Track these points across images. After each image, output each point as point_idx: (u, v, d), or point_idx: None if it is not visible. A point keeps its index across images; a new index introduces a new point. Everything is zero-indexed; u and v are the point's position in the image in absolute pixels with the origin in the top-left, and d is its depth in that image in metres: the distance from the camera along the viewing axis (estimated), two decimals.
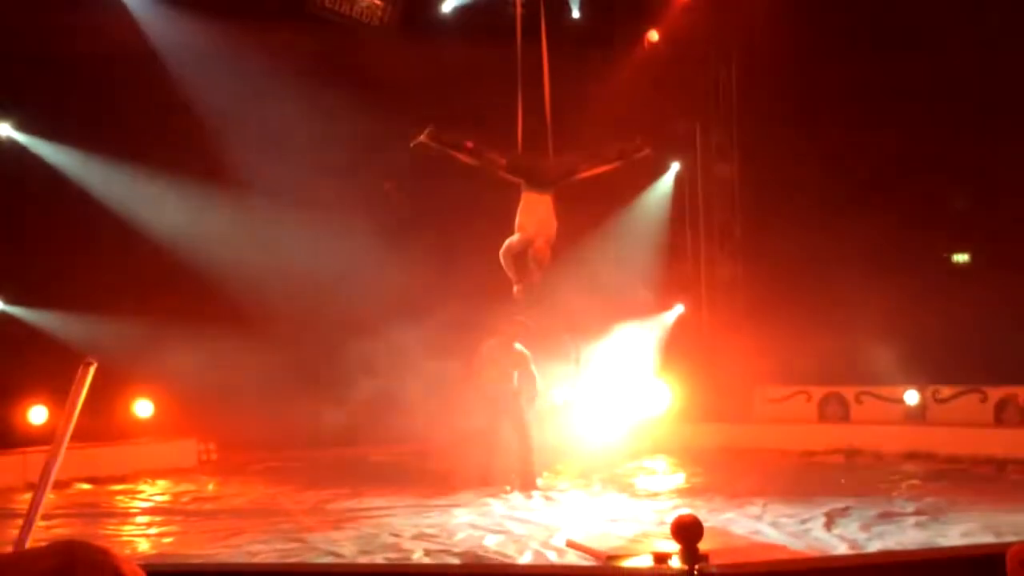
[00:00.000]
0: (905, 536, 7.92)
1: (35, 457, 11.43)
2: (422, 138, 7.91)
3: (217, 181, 13.57)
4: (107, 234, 13.23)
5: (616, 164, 8.33)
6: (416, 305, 12.82)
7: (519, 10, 8.60)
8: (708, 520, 8.32)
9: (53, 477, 1.87)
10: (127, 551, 7.95)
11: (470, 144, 7.88)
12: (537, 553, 7.51)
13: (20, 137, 13.32)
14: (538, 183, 7.82)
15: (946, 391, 13.81)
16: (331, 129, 13.64)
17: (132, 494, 11.09)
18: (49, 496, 9.98)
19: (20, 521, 9.34)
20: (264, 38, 13.81)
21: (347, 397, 12.94)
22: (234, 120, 13.50)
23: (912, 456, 12.71)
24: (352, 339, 13.27)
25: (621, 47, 15.52)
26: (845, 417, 14.55)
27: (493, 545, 7.82)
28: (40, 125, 13.24)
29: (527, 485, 10.57)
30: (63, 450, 1.85)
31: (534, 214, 7.84)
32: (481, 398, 10.82)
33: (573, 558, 7.28)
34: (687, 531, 2.73)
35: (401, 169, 13.42)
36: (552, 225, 7.92)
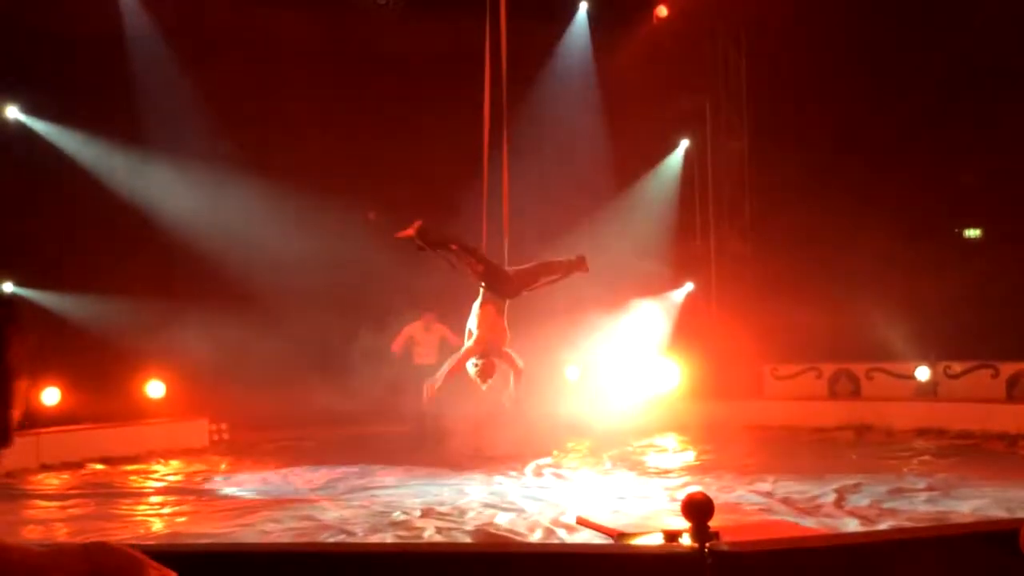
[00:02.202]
0: (916, 512, 7.92)
1: (48, 438, 11.50)
2: (410, 232, 7.95)
3: (230, 165, 13.57)
4: (117, 216, 13.25)
5: (561, 279, 8.45)
6: (423, 293, 12.87)
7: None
8: (718, 497, 8.33)
9: None
10: (140, 531, 8.00)
11: (455, 246, 7.99)
12: (548, 531, 7.54)
13: (28, 120, 13.32)
14: (499, 293, 8.03)
15: (957, 367, 13.77)
16: (345, 113, 13.63)
17: (145, 474, 11.15)
18: (63, 476, 9.95)
19: (34, 502, 9.38)
20: (273, 18, 13.78)
21: (358, 377, 12.99)
22: (247, 104, 13.49)
23: (923, 432, 12.70)
24: (363, 321, 13.31)
25: (630, 22, 15.44)
26: (856, 393, 14.53)
27: (504, 523, 7.85)
28: (48, 108, 13.24)
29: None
30: None
31: (491, 328, 8.01)
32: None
33: (584, 536, 7.30)
34: (698, 509, 2.71)
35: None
36: (505, 339, 8.07)
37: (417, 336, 12.93)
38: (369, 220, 14.56)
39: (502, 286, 8.03)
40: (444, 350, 12.62)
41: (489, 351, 7.87)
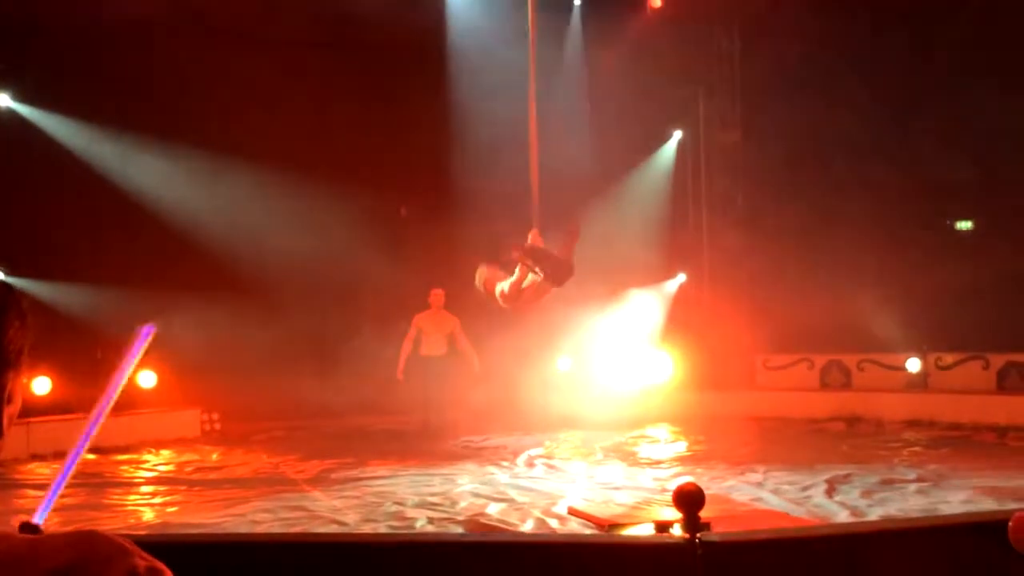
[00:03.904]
0: (907, 503, 7.94)
1: (39, 428, 11.47)
2: (517, 254, 8.35)
3: (224, 154, 13.51)
4: (110, 206, 13.20)
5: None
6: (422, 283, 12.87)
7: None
8: (710, 488, 8.36)
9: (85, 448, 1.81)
10: (131, 520, 7.99)
11: (516, 253, 8.41)
12: (539, 521, 7.55)
13: (20, 108, 13.24)
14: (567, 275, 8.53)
15: (948, 358, 13.82)
16: (346, 102, 13.60)
17: (136, 464, 11.13)
18: (53, 466, 9.94)
19: (24, 491, 9.29)
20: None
21: (354, 372, 12.99)
22: (245, 92, 13.43)
23: (914, 423, 12.75)
24: (366, 318, 13.30)
25: (624, 12, 15.41)
26: (847, 384, 14.58)
27: (496, 513, 7.85)
28: (40, 95, 13.16)
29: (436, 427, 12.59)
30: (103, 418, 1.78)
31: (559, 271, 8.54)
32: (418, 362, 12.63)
33: (575, 526, 7.32)
34: (689, 500, 2.72)
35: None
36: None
37: (425, 326, 12.68)
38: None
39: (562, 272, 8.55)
40: (453, 345, 12.59)
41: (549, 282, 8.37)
